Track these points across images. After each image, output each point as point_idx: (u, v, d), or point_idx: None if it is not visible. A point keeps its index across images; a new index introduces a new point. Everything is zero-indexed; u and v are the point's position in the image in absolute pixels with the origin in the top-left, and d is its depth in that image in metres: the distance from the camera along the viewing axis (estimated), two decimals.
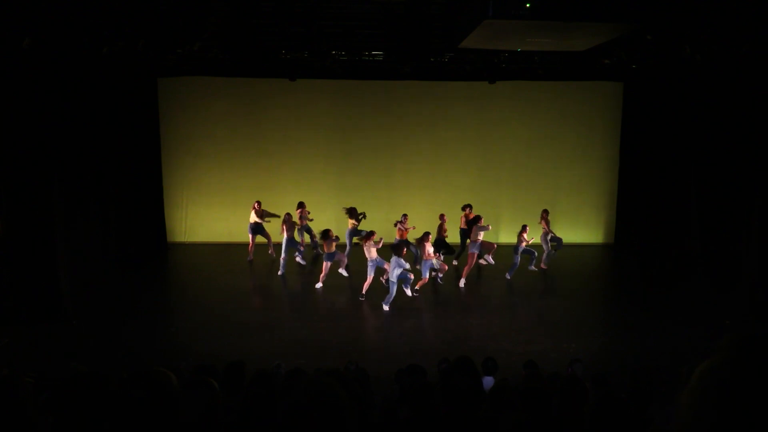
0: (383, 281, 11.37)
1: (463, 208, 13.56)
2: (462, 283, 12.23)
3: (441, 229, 12.97)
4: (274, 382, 4.63)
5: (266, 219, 13.58)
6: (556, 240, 13.42)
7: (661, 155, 13.47)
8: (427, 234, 11.49)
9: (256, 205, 13.66)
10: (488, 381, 5.91)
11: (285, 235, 12.80)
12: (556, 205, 15.21)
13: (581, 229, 15.43)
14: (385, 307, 10.85)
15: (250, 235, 13.74)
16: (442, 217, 13.10)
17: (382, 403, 5.32)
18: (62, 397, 2.75)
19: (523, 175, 15.46)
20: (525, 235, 12.27)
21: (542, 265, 13.33)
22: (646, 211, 14.18)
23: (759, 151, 10.03)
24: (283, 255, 12.82)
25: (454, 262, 13.49)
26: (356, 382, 4.29)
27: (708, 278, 11.45)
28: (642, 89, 14.41)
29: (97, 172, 12.20)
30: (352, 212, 13.27)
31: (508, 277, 12.65)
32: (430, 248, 11.40)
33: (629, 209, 15.13)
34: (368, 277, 11.26)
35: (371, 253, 11.12)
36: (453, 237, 13.34)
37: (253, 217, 13.61)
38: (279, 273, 12.86)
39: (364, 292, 11.29)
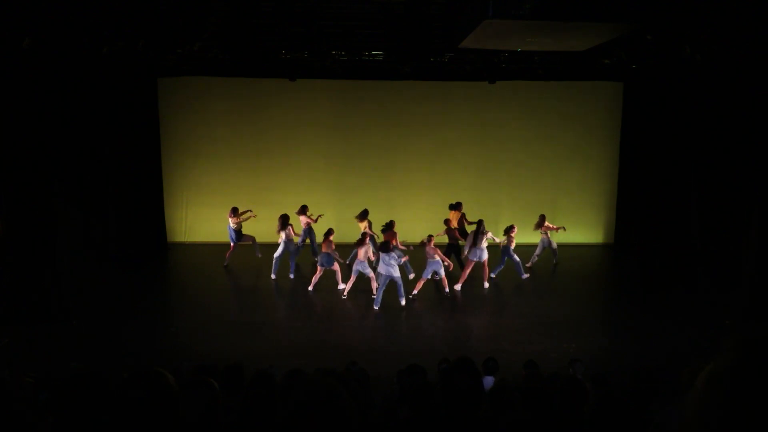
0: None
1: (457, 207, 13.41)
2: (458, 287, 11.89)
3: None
4: (274, 382, 4.63)
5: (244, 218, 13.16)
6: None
7: (661, 155, 13.46)
8: (430, 236, 11.39)
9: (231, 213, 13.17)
10: (489, 381, 5.91)
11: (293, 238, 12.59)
12: (556, 205, 15.21)
13: (581, 229, 15.41)
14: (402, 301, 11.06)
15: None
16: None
17: (382, 403, 5.31)
18: (62, 397, 2.75)
19: (523, 175, 15.45)
20: (513, 235, 12.28)
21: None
22: (645, 211, 14.16)
23: (759, 151, 10.02)
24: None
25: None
26: (356, 382, 4.30)
27: (708, 278, 11.44)
28: (642, 89, 14.40)
29: (97, 172, 12.20)
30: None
31: (493, 276, 12.59)
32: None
33: (629, 209, 15.11)
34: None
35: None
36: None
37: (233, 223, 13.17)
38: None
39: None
